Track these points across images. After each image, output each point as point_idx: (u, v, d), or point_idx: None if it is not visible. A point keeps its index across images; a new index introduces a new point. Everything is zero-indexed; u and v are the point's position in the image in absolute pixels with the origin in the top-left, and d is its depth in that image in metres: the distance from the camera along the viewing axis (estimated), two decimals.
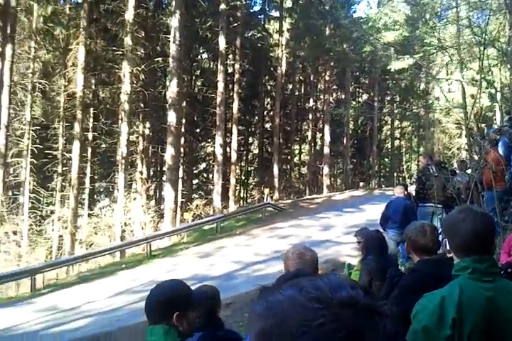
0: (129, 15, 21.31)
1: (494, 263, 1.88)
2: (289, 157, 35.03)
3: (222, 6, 24.17)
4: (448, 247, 1.96)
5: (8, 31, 18.91)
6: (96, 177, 27.20)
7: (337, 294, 0.66)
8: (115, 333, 9.11)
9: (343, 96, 37.15)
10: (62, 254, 20.08)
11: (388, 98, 41.19)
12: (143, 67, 22.25)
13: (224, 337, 3.02)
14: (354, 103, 39.08)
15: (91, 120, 24.76)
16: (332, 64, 32.61)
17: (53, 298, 12.16)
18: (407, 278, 3.13)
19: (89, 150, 23.82)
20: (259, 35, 32.50)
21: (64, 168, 22.93)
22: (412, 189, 9.72)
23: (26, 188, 21.62)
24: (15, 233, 19.48)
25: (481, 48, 7.73)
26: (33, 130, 22.62)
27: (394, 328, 0.67)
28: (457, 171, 9.57)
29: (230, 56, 30.25)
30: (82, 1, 23.38)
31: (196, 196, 30.01)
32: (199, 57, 32.45)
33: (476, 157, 8.57)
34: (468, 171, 8.79)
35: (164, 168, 23.61)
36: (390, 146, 42.65)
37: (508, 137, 9.19)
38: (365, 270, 5.08)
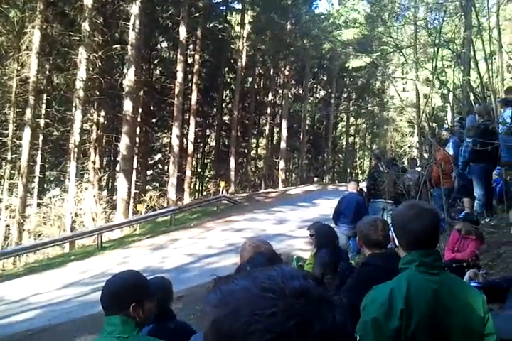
0: (88, 0, 20.71)
1: (439, 257, 1.95)
2: (246, 150, 35.07)
3: None
4: (396, 242, 2.01)
5: None
6: (47, 165, 26.39)
7: (289, 284, 0.67)
8: (63, 325, 8.93)
9: (302, 92, 37.46)
10: (9, 244, 19.41)
11: (345, 95, 41.86)
12: (100, 53, 21.66)
13: (175, 329, 3.00)
14: (312, 99, 39.49)
15: (43, 106, 23.97)
16: (292, 59, 32.81)
17: None
18: (359, 271, 3.20)
19: (41, 137, 23.07)
20: (220, 26, 32.24)
21: (13, 156, 22.12)
22: (364, 185, 9.95)
23: None
24: None
25: (436, 49, 7.96)
26: None
27: (343, 318, 0.68)
28: (407, 168, 9.86)
29: (191, 46, 29.90)
30: None
31: (150, 187, 29.62)
32: (158, 45, 31.91)
33: (426, 155, 8.85)
34: (419, 169, 9.07)
35: (118, 158, 23.16)
36: (344, 143, 43.44)
37: (458, 137, 9.53)
38: (318, 263, 5.16)
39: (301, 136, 35.29)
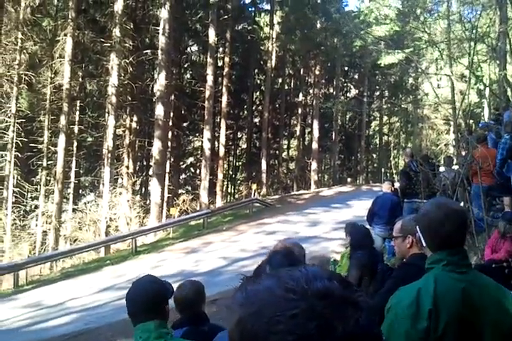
0: (118, 6, 21.03)
1: (466, 255, 1.94)
2: (277, 152, 34.92)
3: None
4: (423, 242, 1.98)
5: None
6: (81, 171, 26.88)
7: (312, 285, 0.67)
8: (99, 330, 8.99)
9: (332, 91, 37.08)
10: (46, 250, 19.82)
11: (377, 93, 41.18)
12: (131, 59, 22.02)
13: (208, 332, 2.96)
14: (343, 98, 39.03)
15: (77, 113, 24.44)
16: (322, 58, 32.49)
17: (37, 294, 12.00)
18: (400, 272, 3.19)
19: (75, 143, 23.52)
20: (249, 28, 32.28)
21: (49, 162, 22.60)
22: (398, 184, 9.67)
23: (10, 182, 21.27)
24: None
25: (471, 44, 7.66)
26: (18, 123, 22.24)
27: (368, 320, 0.67)
28: (440, 166, 9.55)
29: (220, 49, 30.01)
30: None
31: (183, 191, 29.78)
32: (188, 49, 32.17)
33: (463, 153, 8.52)
34: (455, 167, 8.77)
35: (151, 163, 23.40)
36: (378, 142, 42.68)
37: (494, 133, 9.16)
38: (354, 265, 5.02)
39: (333, 136, 34.86)
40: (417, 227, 1.98)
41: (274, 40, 30.31)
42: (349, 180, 32.96)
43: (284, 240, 2.99)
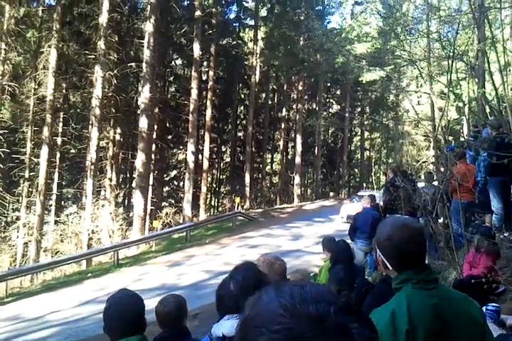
0: (103, 19, 21.10)
1: (431, 271, 1.92)
2: (260, 166, 35.09)
3: (198, 13, 24.22)
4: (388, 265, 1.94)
5: None
6: (64, 183, 26.64)
7: (305, 306, 0.67)
8: None
9: (315, 107, 37.51)
10: (27, 262, 19.54)
11: (359, 109, 41.79)
12: (115, 71, 22.01)
13: None
14: (325, 113, 39.51)
15: (61, 124, 24.35)
16: (305, 74, 32.94)
17: (17, 306, 11.85)
18: (380, 288, 3.16)
19: (58, 155, 23.34)
20: (233, 42, 32.62)
21: (31, 173, 22.41)
22: (379, 200, 9.85)
23: None
24: None
25: (450, 62, 7.91)
26: (0, 133, 22.04)
27: None
28: (419, 182, 9.74)
29: (205, 63, 30.25)
30: (56, 3, 23.06)
31: (166, 204, 29.70)
32: (173, 63, 32.32)
33: (442, 169, 8.74)
34: (435, 183, 8.94)
35: (134, 175, 23.33)
36: (359, 157, 43.21)
37: (473, 150, 9.40)
38: (333, 279, 5.09)
39: (316, 151, 35.22)
40: (378, 250, 1.95)
41: (258, 55, 30.67)
42: (331, 194, 33.27)
43: (266, 254, 3.05)
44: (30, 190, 22.66)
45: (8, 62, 22.80)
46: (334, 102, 41.62)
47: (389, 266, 1.92)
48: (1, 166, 21.80)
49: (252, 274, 2.30)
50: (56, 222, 22.22)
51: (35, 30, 24.22)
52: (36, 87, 22.79)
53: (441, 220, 7.34)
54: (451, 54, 8.26)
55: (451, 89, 9.46)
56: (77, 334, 9.40)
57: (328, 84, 39.08)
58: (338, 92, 40.76)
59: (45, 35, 23.13)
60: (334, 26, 36.13)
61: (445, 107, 8.45)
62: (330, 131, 40.65)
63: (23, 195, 22.13)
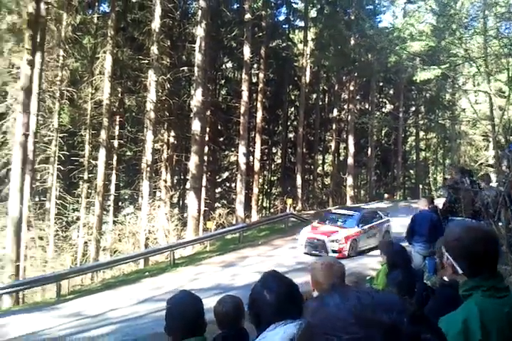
0: (156, 24, 21.61)
1: (502, 278, 1.87)
2: (312, 167, 34.91)
3: (248, 16, 24.40)
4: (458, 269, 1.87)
5: (38, 40, 19.37)
6: (121, 184, 27.50)
7: (378, 316, 0.65)
8: None
9: (368, 107, 36.94)
10: (87, 260, 20.31)
11: (413, 109, 40.75)
12: (168, 76, 22.48)
13: None
14: (378, 113, 38.80)
15: (117, 128, 25.13)
16: (356, 74, 32.53)
17: (78, 304, 12.27)
18: (442, 293, 3.11)
19: (115, 157, 24.13)
20: (283, 44, 32.66)
21: (90, 175, 23.26)
22: (439, 202, 9.57)
23: (53, 194, 21.99)
24: (41, 238, 19.80)
25: (509, 59, 7.62)
26: (60, 137, 23.04)
27: None
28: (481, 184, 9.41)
29: (255, 65, 30.42)
30: (110, 10, 23.84)
31: (219, 205, 30.09)
32: (224, 66, 32.72)
33: (504, 170, 8.40)
34: (494, 185, 8.61)
35: (188, 176, 23.76)
36: (414, 158, 42.12)
37: None
38: (392, 284, 5.00)
39: (369, 152, 34.66)
40: (446, 253, 1.88)
41: (308, 56, 30.54)
42: (386, 196, 32.60)
43: (324, 257, 3.04)
44: (89, 191, 23.51)
45: (66, 68, 23.81)
46: (387, 102, 40.82)
47: (458, 269, 1.85)
48: (62, 168, 22.79)
49: (283, 282, 2.28)
50: (114, 222, 22.97)
51: (90, 36, 25.17)
52: (93, 91, 23.66)
53: (501, 223, 7.08)
54: (511, 51, 7.95)
55: (510, 87, 9.10)
56: (135, 332, 9.66)
57: (381, 84, 38.37)
58: (391, 92, 39.97)
59: (100, 41, 23.99)
60: (386, 25, 35.52)
61: (505, 106, 8.15)
62: (383, 132, 39.90)
63: (83, 196, 23.01)
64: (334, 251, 14.05)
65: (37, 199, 22.07)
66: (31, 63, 16.16)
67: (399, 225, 14.83)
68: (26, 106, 15.96)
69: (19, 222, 15.54)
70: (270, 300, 2.13)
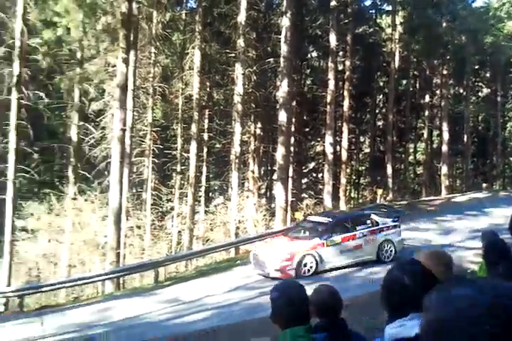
0: (242, 17, 21.77)
1: None
2: (402, 156, 33.76)
3: (333, 3, 23.95)
4: None
5: (132, 38, 20.27)
6: (211, 175, 28.29)
7: None
8: (233, 327, 9.36)
9: (462, 91, 34.99)
10: (181, 249, 21.14)
11: None
12: (254, 68, 22.65)
13: (348, 338, 2.94)
14: (474, 98, 36.63)
15: (206, 121, 25.81)
16: (449, 57, 30.88)
17: (174, 290, 12.78)
18: None
19: (205, 149, 24.82)
20: (370, 30, 31.74)
21: (182, 167, 24.10)
22: None
23: (149, 186, 23.07)
24: (139, 227, 20.89)
25: None
26: (154, 131, 24.05)
27: None
28: None
29: (340, 53, 29.83)
30: (197, 6, 24.38)
31: (306, 195, 29.99)
32: (309, 55, 32.38)
33: None
34: None
35: (275, 167, 23.90)
36: None
37: None
38: (495, 276, 4.69)
39: (465, 139, 32.83)
40: None
41: (396, 41, 29.49)
42: (484, 185, 30.75)
43: (427, 250, 2.92)
44: (182, 182, 24.38)
45: (157, 64, 24.77)
46: (483, 86, 38.40)
47: None
48: (156, 161, 23.83)
49: (419, 267, 2.19)
50: (206, 212, 23.70)
51: (179, 33, 25.92)
52: (183, 86, 24.41)
53: None
54: None
55: None
56: (230, 317, 9.90)
57: (476, 67, 36.11)
58: (488, 75, 37.53)
59: (188, 37, 24.62)
60: (479, 5, 33.34)
61: None
62: (480, 117, 37.62)
63: (176, 187, 23.92)
64: (277, 270, 11.92)
65: (134, 190, 23.25)
66: (126, 61, 16.89)
67: (501, 216, 13.91)
68: (123, 102, 16.75)
69: (119, 212, 16.43)
70: (409, 286, 2.08)
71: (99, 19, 20.24)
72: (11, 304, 14.14)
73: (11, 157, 18.84)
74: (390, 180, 27.57)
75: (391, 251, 13.03)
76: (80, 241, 18.93)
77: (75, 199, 20.20)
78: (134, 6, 18.68)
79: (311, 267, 12.14)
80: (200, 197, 24.68)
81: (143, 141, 23.76)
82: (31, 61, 21.87)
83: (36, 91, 20.66)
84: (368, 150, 35.68)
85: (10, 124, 18.90)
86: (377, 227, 13.17)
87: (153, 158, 23.60)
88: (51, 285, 13.75)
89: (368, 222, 13.26)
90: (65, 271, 19.72)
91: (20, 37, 19.52)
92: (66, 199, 20.57)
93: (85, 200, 19.80)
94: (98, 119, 21.73)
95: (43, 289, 13.74)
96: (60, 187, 21.53)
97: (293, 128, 25.69)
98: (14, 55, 20.14)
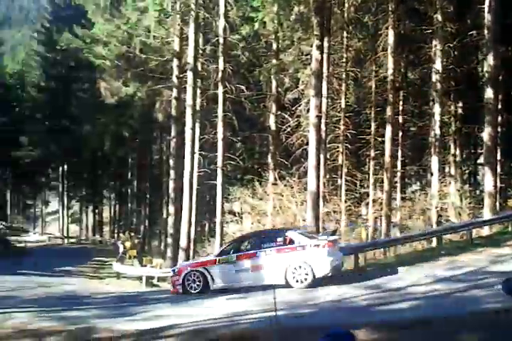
0: None
1: None
2: None
3: None
4: None
5: (325, 25, 20.38)
6: (406, 160, 27.29)
7: None
8: (442, 320, 8.89)
9: None
10: (378, 236, 20.89)
11: None
12: (454, 43, 21.18)
13: None
14: None
15: (401, 103, 24.94)
16: None
17: (376, 277, 12.64)
18: None
19: (400, 133, 24.01)
20: None
21: (376, 152, 23.71)
22: None
23: (343, 172, 23.26)
24: (335, 212, 21.22)
25: None
26: (346, 116, 24.10)
27: None
28: None
29: None
30: None
31: None
32: None
33: None
34: None
35: (479, 150, 21.99)
36: None
37: None
38: None
39: None
40: None
41: None
42: None
43: None
44: (376, 167, 24.02)
45: (350, 49, 24.65)
46: None
47: None
48: (349, 146, 23.87)
49: None
50: (402, 199, 23.00)
51: (371, 14, 25.34)
52: (376, 69, 23.90)
53: None
54: None
55: None
56: (435, 310, 9.42)
57: None
58: None
59: (381, 17, 23.94)
60: None
61: None
62: None
63: (370, 173, 23.67)
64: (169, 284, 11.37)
65: (329, 176, 23.65)
66: (320, 48, 17.11)
67: None
68: (318, 89, 17.05)
69: (316, 197, 16.88)
70: None
71: (292, 10, 20.87)
72: None
73: (220, 146, 20.73)
74: None
75: (306, 274, 11.19)
76: (281, 224, 19.95)
77: (275, 184, 21.38)
78: None
79: (197, 285, 11.69)
80: (395, 183, 24.00)
81: (336, 127, 23.97)
82: (232, 56, 23.63)
83: (238, 85, 22.29)
84: None
85: (218, 116, 20.76)
86: (287, 246, 11.38)
87: (346, 143, 23.68)
88: None
89: (280, 239, 11.54)
90: None
91: (223, 34, 21.25)
92: (267, 184, 21.89)
93: (285, 186, 20.78)
94: (293, 108, 22.54)
95: None
96: (262, 173, 23.00)
97: (499, 106, 23.24)
98: (218, 52, 22.02)
